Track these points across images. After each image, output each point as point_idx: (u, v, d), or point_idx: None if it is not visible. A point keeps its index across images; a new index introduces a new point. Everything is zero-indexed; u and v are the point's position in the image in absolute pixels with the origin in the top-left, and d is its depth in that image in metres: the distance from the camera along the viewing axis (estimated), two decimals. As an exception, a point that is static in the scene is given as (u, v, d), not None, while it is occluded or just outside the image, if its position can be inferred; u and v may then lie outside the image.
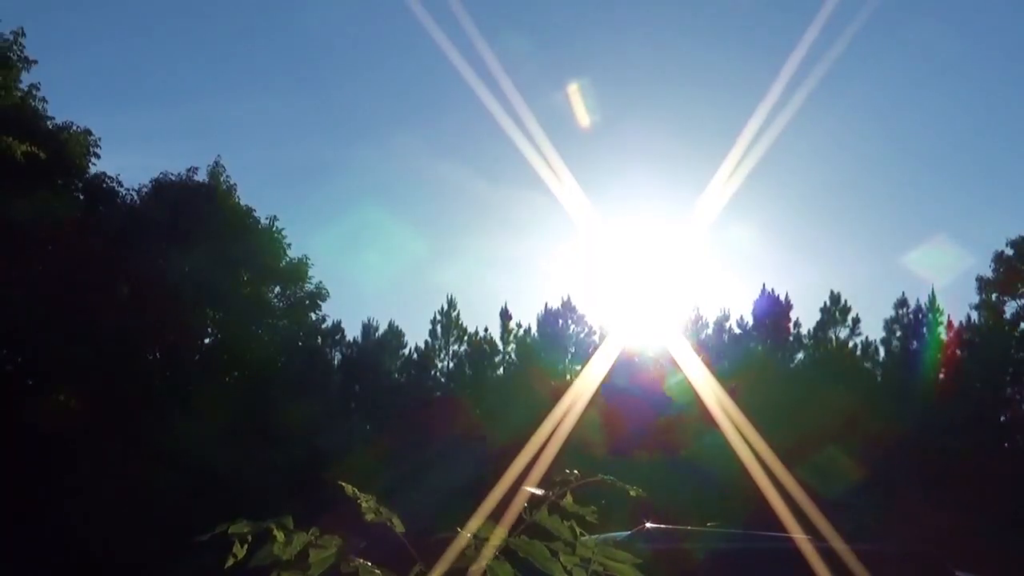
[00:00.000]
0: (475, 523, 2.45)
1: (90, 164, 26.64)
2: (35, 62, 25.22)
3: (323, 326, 34.61)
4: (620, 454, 32.32)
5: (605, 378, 31.44)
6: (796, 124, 60.05)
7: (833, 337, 39.24)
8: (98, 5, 53.24)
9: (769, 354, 39.00)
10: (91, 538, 22.28)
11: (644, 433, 35.31)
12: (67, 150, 25.56)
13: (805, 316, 43.29)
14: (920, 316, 38.61)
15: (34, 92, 25.42)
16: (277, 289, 31.63)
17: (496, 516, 2.48)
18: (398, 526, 2.56)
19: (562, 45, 64.27)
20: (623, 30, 63.28)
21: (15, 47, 24.84)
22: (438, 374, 41.61)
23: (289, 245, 31.45)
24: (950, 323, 38.19)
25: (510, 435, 33.34)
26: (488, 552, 2.38)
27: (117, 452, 22.76)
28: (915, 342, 38.34)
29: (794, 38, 58.00)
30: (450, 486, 26.40)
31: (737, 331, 39.98)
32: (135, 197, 29.03)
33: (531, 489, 2.51)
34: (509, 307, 41.61)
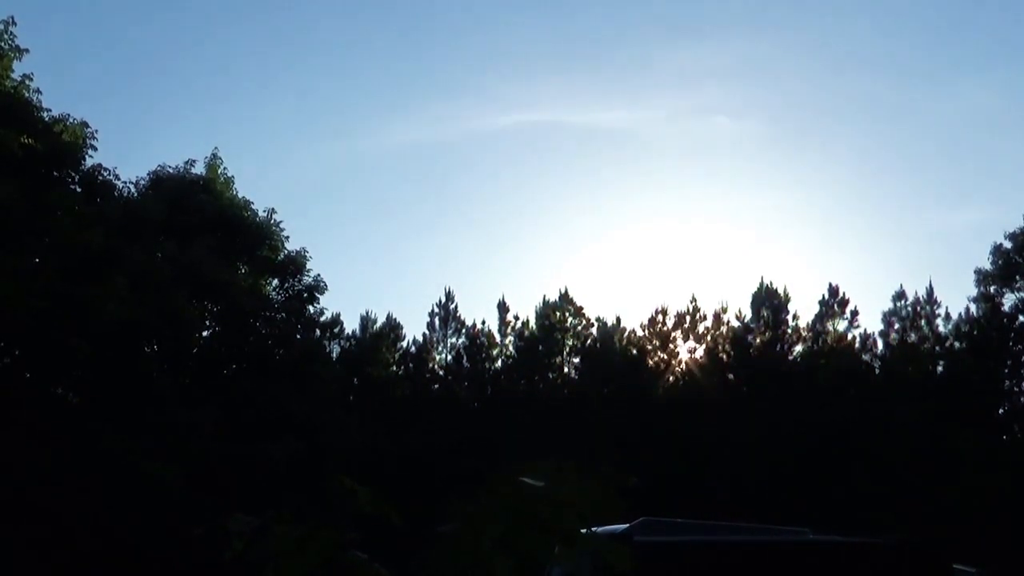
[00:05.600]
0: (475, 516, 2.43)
1: (87, 156, 26.50)
2: (27, 51, 25.02)
3: (321, 319, 34.50)
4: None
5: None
6: (794, 117, 59.99)
7: (831, 329, 39.19)
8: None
9: (767, 347, 38.96)
10: (89, 531, 22.26)
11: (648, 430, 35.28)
12: (63, 142, 25.41)
13: (803, 309, 43.39)
14: (918, 308, 38.59)
15: (27, 83, 25.19)
16: (275, 282, 31.58)
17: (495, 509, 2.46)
18: (396, 519, 2.54)
19: (564, 40, 64.12)
20: (627, 29, 63.15)
21: (6, 36, 24.60)
22: (436, 367, 41.53)
23: (287, 238, 31.45)
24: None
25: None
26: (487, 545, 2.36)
27: (115, 445, 22.71)
28: (913, 334, 38.32)
29: (793, 36, 57.85)
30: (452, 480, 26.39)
31: (735, 324, 39.92)
32: (132, 190, 28.99)
33: (528, 480, 2.49)
34: (507, 299, 41.59)
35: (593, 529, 2.51)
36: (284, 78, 63.97)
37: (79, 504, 21.96)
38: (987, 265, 36.79)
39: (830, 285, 39.61)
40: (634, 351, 39.94)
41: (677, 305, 41.52)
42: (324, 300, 32.44)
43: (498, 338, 41.10)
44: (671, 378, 39.68)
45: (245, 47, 63.04)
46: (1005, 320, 36.46)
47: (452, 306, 41.57)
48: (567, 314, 40.97)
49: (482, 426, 35.87)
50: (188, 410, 24.72)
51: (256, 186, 70.58)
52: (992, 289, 36.80)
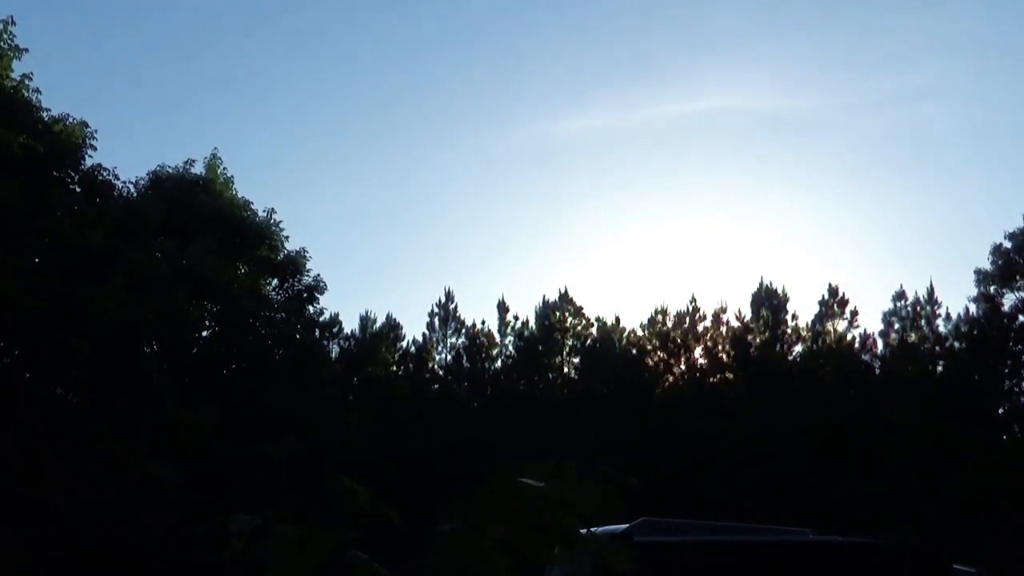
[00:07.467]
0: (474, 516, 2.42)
1: (86, 156, 26.48)
2: (26, 51, 24.98)
3: (321, 319, 34.50)
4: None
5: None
6: (795, 116, 60.00)
7: (831, 329, 39.16)
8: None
9: (767, 347, 38.93)
10: (89, 531, 22.26)
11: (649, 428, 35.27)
12: (63, 142, 25.38)
13: (803, 309, 43.38)
14: (918, 308, 38.57)
15: (27, 82, 25.15)
16: (275, 282, 31.57)
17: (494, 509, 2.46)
18: (396, 519, 2.54)
19: (568, 41, 64.14)
20: (630, 35, 63.18)
21: (6, 36, 24.54)
22: (436, 367, 41.51)
23: (287, 238, 31.45)
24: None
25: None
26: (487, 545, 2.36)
27: (115, 445, 22.70)
28: (913, 334, 38.30)
29: (791, 31, 57.90)
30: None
31: (735, 324, 39.90)
32: (132, 190, 28.98)
33: (527, 481, 2.48)
34: (507, 299, 41.57)
35: (593, 529, 2.51)
36: (283, 77, 63.99)
37: (79, 504, 21.95)
38: (987, 265, 36.83)
39: (830, 285, 39.62)
40: (634, 351, 39.91)
41: (677, 305, 41.52)
42: (324, 300, 32.49)
43: (498, 338, 41.10)
44: (671, 378, 39.66)
45: (245, 46, 63.04)
46: (1005, 320, 36.45)
47: (452, 306, 41.58)
48: (567, 314, 40.95)
49: (482, 426, 35.85)
50: (188, 410, 24.70)
51: (256, 186, 70.62)
52: (992, 289, 36.81)
